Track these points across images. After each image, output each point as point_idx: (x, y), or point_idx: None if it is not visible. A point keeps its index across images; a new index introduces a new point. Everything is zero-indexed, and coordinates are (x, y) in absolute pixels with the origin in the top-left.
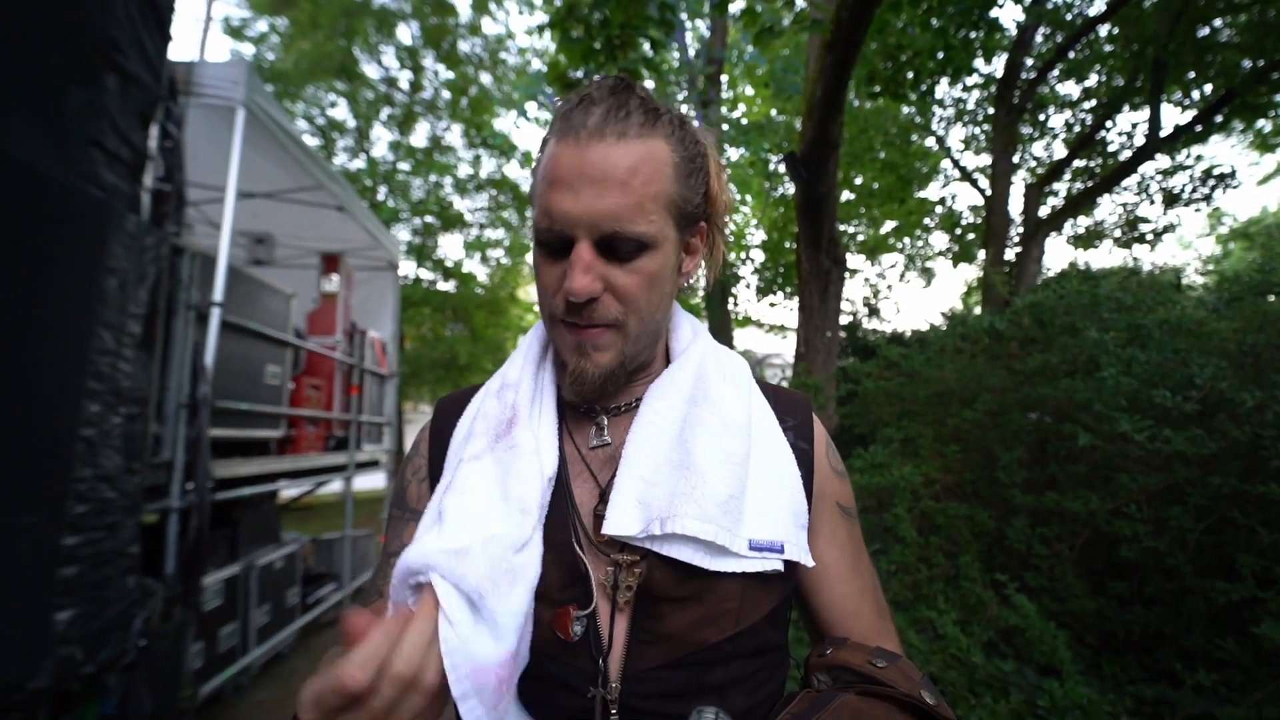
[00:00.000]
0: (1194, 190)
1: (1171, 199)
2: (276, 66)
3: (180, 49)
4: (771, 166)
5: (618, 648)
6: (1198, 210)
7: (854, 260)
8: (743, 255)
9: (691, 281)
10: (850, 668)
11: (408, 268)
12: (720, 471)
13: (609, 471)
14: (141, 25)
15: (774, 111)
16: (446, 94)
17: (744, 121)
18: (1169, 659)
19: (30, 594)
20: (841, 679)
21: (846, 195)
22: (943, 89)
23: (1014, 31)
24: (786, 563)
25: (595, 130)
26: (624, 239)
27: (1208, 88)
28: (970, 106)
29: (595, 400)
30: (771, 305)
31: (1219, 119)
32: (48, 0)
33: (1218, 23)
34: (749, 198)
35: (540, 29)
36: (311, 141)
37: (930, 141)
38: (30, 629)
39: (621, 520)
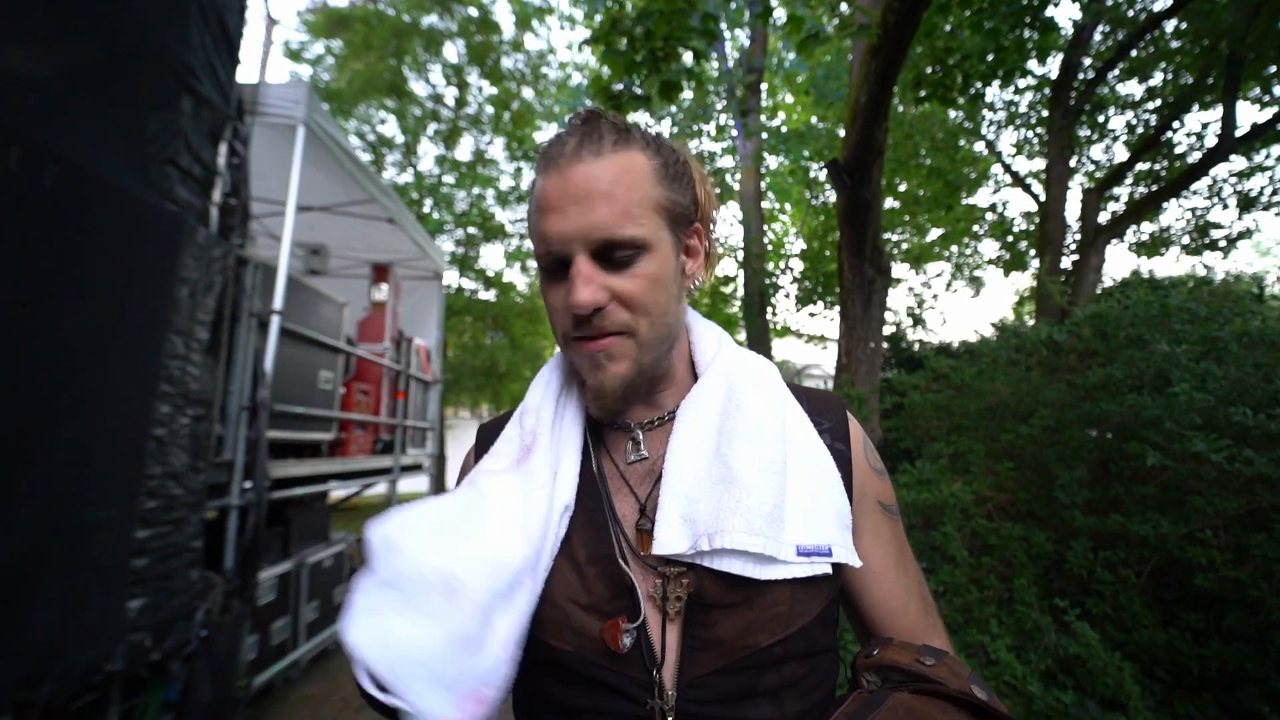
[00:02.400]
0: (1274, 193)
1: (1247, 203)
2: (331, 86)
3: (245, 71)
4: (812, 174)
5: (670, 656)
6: (1278, 214)
7: (898, 269)
8: (782, 264)
9: (698, 283)
10: (899, 667)
11: (450, 277)
12: (761, 482)
13: (648, 486)
14: (214, 52)
15: (814, 118)
16: (490, 109)
17: (784, 129)
18: (1253, 700)
19: (107, 583)
20: (890, 678)
21: (890, 203)
22: (993, 92)
23: (1070, 31)
24: (834, 564)
25: (572, 155)
26: (618, 244)
27: None
28: (1023, 109)
29: (620, 413)
30: (811, 315)
31: None
32: (133, 34)
33: None
34: (788, 206)
35: (583, 44)
36: (363, 157)
37: (980, 146)
38: (107, 615)
39: (670, 539)
